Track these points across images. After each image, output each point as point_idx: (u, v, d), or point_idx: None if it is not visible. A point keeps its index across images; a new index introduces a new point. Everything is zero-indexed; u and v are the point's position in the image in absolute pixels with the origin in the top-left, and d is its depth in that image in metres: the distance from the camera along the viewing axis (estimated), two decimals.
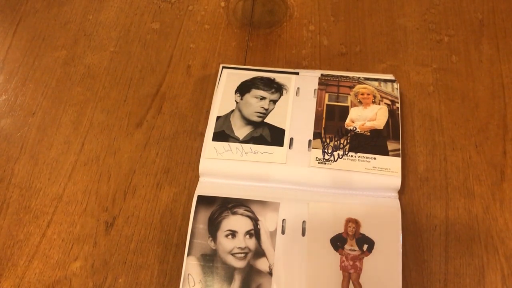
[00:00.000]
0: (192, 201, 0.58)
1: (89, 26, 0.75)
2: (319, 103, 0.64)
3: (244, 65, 0.70)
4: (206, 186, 0.59)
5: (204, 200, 0.58)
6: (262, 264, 0.54)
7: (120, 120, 0.66)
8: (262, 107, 0.63)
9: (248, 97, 0.64)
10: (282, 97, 0.64)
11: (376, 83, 0.65)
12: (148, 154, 0.63)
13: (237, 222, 0.56)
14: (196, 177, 0.61)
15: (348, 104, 0.63)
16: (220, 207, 0.57)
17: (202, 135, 0.63)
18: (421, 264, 0.55)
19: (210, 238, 0.55)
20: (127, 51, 0.72)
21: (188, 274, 0.54)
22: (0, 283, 0.56)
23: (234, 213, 0.57)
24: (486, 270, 0.54)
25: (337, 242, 0.55)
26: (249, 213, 0.56)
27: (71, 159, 0.64)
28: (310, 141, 0.61)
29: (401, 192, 0.58)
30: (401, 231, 0.54)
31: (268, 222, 0.56)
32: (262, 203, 0.57)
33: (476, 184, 0.60)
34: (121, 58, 0.72)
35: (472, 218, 0.58)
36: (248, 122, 0.62)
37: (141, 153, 0.64)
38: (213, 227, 0.56)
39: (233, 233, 0.56)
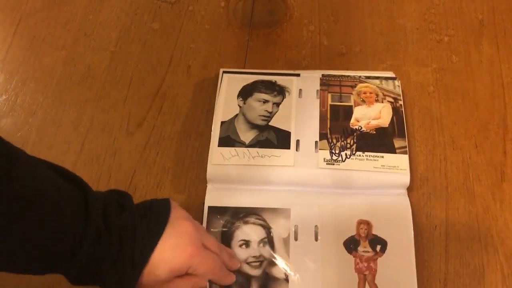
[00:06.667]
0: (192, 200, 0.58)
1: (89, 26, 0.75)
2: (322, 103, 0.63)
3: (245, 65, 0.69)
4: (215, 195, 0.58)
5: (215, 211, 0.57)
6: (278, 271, 0.54)
7: (120, 120, 0.66)
8: (266, 110, 0.63)
9: (251, 101, 0.64)
10: (285, 99, 0.64)
11: (377, 81, 0.65)
12: (148, 154, 0.63)
13: (250, 231, 0.56)
14: (197, 177, 0.61)
15: (352, 103, 0.63)
16: (231, 217, 0.56)
17: (202, 135, 0.63)
18: (421, 264, 0.55)
19: None
20: (127, 51, 0.72)
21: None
22: (1, 282, 0.56)
23: (246, 223, 0.56)
24: (486, 270, 0.55)
25: (350, 245, 0.55)
26: (261, 222, 0.56)
27: (71, 159, 0.63)
28: (316, 142, 0.60)
29: None
30: (412, 228, 0.54)
31: (280, 229, 0.56)
32: (273, 210, 0.57)
33: (476, 184, 0.60)
34: (121, 58, 0.72)
35: (472, 218, 0.58)
36: (253, 126, 0.62)
37: (141, 153, 0.64)
38: (226, 237, 0.55)
39: (246, 243, 0.55)
